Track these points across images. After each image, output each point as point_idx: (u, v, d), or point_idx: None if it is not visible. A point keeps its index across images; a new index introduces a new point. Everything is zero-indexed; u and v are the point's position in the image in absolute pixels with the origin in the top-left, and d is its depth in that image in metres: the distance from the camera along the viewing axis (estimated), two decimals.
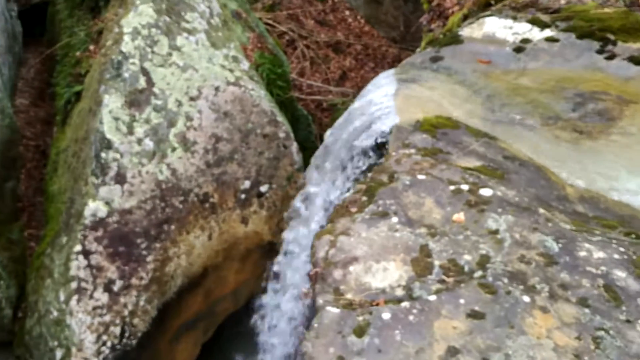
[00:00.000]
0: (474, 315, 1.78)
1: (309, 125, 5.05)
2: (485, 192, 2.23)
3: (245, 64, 4.09)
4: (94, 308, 3.45)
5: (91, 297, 3.46)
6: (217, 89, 3.86)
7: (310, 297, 1.99)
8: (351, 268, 1.97)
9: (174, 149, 3.69)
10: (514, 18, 3.25)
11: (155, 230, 3.60)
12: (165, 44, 3.83)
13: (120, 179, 3.54)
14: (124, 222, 3.53)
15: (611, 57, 3.06)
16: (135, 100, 3.67)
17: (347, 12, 7.48)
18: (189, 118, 3.76)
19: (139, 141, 3.61)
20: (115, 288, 3.50)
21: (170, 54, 3.82)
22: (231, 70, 3.97)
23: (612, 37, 3.13)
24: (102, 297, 3.47)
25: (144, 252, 3.56)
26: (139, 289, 3.55)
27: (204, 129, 3.80)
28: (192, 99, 3.80)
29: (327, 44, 6.83)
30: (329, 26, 7.16)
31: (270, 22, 6.55)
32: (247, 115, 3.93)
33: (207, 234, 3.80)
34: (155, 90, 3.71)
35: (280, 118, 4.05)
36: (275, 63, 4.51)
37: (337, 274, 1.95)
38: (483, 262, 1.96)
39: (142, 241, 3.56)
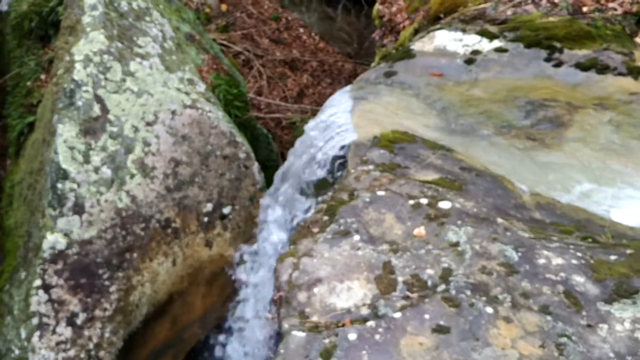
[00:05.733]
0: (439, 330, 1.79)
1: (269, 144, 5.04)
2: (444, 204, 2.26)
3: (201, 86, 4.07)
4: (58, 343, 3.36)
5: (54, 332, 3.37)
6: (173, 112, 3.83)
7: (275, 322, 1.98)
8: (315, 290, 1.96)
9: (132, 176, 3.63)
10: (463, 30, 3.32)
11: (117, 260, 3.53)
12: (119, 70, 3.78)
13: (78, 209, 3.46)
14: (85, 253, 3.45)
15: (559, 64, 3.15)
16: (90, 129, 3.60)
17: (302, 30, 7.52)
18: (146, 143, 3.71)
19: (96, 170, 3.55)
20: (79, 321, 3.41)
21: (124, 80, 3.77)
22: (187, 93, 3.94)
23: (558, 45, 3.22)
24: (65, 331, 3.38)
25: (107, 283, 3.48)
26: (104, 321, 3.47)
27: (162, 154, 3.75)
28: (148, 124, 3.76)
29: (283, 62, 6.85)
30: (284, 44, 7.19)
31: (224, 42, 6.54)
32: (206, 137, 3.90)
33: (171, 260, 3.75)
34: (111, 117, 3.66)
35: (240, 138, 4.03)
36: (231, 83, 4.49)
37: (302, 296, 1.95)
38: (445, 275, 1.97)
39: (104, 271, 3.48)
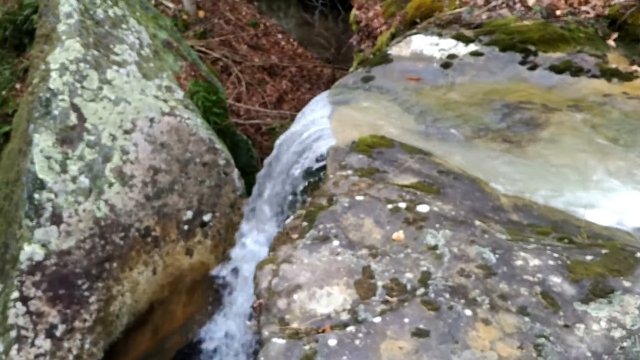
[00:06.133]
0: (419, 333, 1.80)
1: (249, 150, 5.03)
2: (423, 208, 2.27)
3: (180, 93, 4.05)
4: (36, 356, 3.32)
5: (32, 344, 3.32)
6: (152, 120, 3.81)
7: (255, 329, 1.97)
8: (295, 296, 1.96)
9: (111, 185, 3.61)
10: (440, 35, 3.35)
11: (97, 270, 3.49)
12: (95, 78, 3.75)
13: (56, 219, 3.43)
14: (63, 263, 3.41)
15: (533, 67, 3.19)
16: (67, 138, 3.57)
17: (280, 36, 7.53)
18: (124, 152, 3.68)
19: (74, 179, 3.51)
20: (58, 333, 3.37)
21: (101, 88, 3.74)
22: (165, 101, 3.92)
23: (533, 48, 3.26)
24: (44, 343, 3.34)
25: (86, 293, 3.45)
26: (83, 332, 3.43)
27: (141, 162, 3.73)
28: (126, 132, 3.73)
29: (262, 68, 6.85)
30: (263, 50, 7.19)
31: (202, 49, 6.52)
32: (185, 144, 3.88)
33: (151, 269, 3.72)
34: (88, 125, 3.63)
35: (219, 145, 4.02)
36: (210, 90, 4.48)
37: (282, 303, 1.94)
38: (424, 278, 1.98)
39: (84, 282, 3.45)
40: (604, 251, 2.04)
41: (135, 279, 3.63)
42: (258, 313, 1.95)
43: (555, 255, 2.05)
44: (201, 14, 7.15)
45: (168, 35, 4.53)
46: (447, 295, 1.90)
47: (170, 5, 7.12)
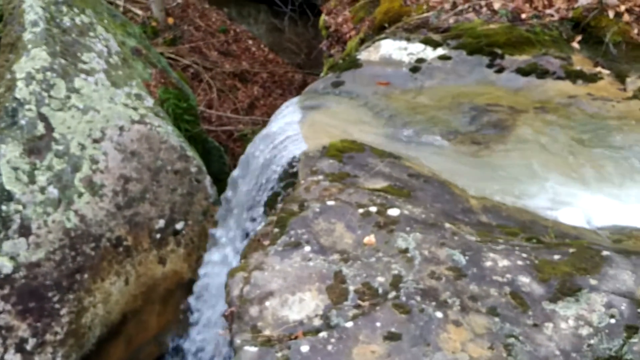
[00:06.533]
0: (391, 337, 1.81)
1: (221, 156, 5.01)
2: (393, 212, 2.28)
3: (149, 101, 4.02)
4: None
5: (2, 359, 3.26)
6: (121, 128, 3.77)
7: (227, 338, 1.96)
8: (267, 303, 1.95)
9: (80, 195, 3.56)
10: (408, 39, 3.38)
11: (68, 281, 3.44)
12: (63, 87, 3.70)
13: (24, 231, 3.37)
14: (33, 276, 3.36)
15: (500, 70, 3.24)
16: (35, 148, 3.52)
17: (250, 42, 7.53)
18: (94, 161, 3.64)
19: (42, 190, 3.46)
20: (29, 347, 3.31)
21: (68, 97, 3.70)
22: (135, 109, 3.88)
23: (499, 51, 3.31)
24: (14, 358, 3.28)
25: (57, 306, 3.39)
26: (55, 345, 3.38)
27: (111, 171, 3.69)
28: (95, 141, 3.69)
29: (233, 74, 6.84)
30: (234, 56, 7.18)
31: (172, 56, 6.49)
32: (156, 152, 3.85)
33: (124, 279, 3.68)
34: (56, 135, 3.58)
35: (191, 152, 4.00)
36: (180, 97, 4.45)
37: (254, 310, 1.94)
38: (396, 282, 1.99)
39: (54, 294, 3.40)
40: (571, 250, 2.08)
41: (107, 289, 3.59)
42: (230, 321, 1.95)
43: (524, 255, 2.08)
44: (170, 20, 7.11)
45: (137, 42, 4.50)
46: (419, 298, 1.92)
47: (139, 12, 7.07)
